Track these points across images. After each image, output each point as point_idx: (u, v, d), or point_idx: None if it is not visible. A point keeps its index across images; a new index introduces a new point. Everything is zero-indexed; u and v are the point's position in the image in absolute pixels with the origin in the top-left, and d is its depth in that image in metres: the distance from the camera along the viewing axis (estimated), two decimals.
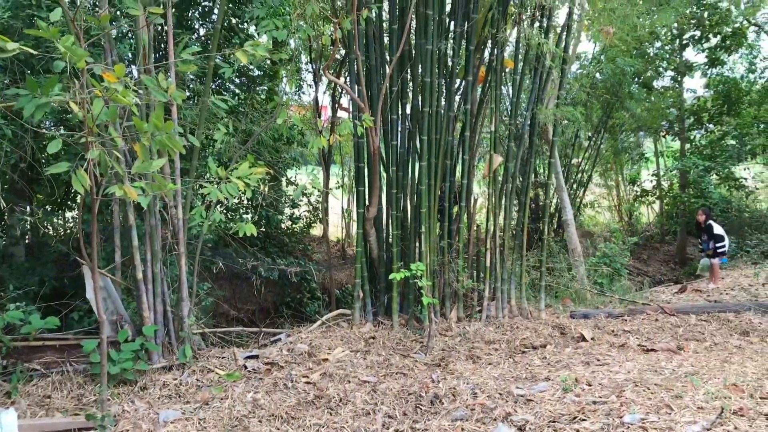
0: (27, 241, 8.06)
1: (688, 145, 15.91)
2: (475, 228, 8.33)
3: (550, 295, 8.90)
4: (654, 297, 9.38)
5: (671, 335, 6.73)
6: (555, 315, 7.87)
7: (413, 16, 7.14)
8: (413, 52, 7.56)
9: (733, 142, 14.68)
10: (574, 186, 16.10)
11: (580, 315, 7.68)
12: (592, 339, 6.58)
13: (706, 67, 15.04)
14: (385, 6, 7.53)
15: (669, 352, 5.96)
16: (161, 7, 5.25)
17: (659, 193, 17.46)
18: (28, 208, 7.34)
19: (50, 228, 8.15)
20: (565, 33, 8.06)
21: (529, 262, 8.66)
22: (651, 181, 18.06)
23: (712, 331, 6.82)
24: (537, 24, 7.98)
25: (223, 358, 5.77)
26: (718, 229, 9.90)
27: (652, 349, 6.09)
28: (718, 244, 9.79)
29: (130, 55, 6.56)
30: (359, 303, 7.35)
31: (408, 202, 7.65)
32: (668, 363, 5.28)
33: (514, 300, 7.89)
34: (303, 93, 12.73)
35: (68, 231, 8.37)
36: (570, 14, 7.94)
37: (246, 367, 5.52)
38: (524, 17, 7.82)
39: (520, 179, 8.25)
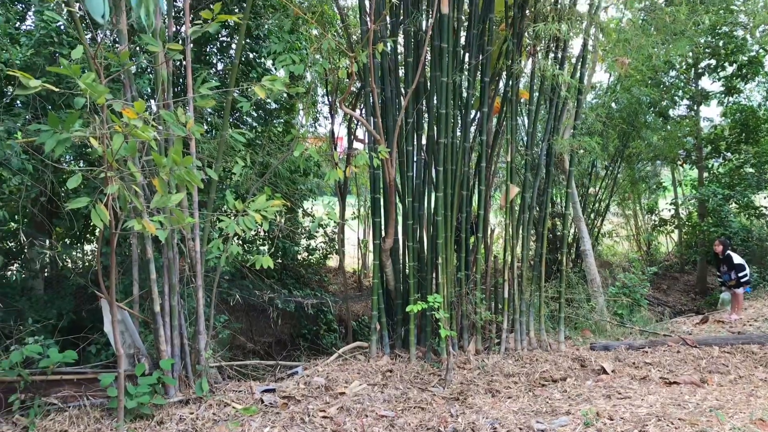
0: (46, 274, 8.13)
1: (706, 174, 15.80)
2: (492, 259, 8.28)
3: (569, 326, 8.80)
4: (675, 328, 9.22)
5: (694, 368, 6.60)
6: (575, 347, 7.76)
7: (428, 49, 7.21)
8: (428, 84, 7.62)
9: (751, 170, 14.54)
10: (592, 216, 16.00)
11: (600, 347, 7.56)
12: (612, 371, 6.47)
13: (723, 95, 14.99)
14: (400, 39, 7.61)
15: (692, 385, 5.84)
16: (180, 43, 5.34)
17: (678, 223, 17.30)
18: (47, 241, 7.41)
19: (69, 261, 8.22)
20: (579, 64, 8.09)
21: (548, 293, 8.58)
22: (669, 210, 17.92)
23: (736, 364, 6.68)
24: (552, 55, 8.02)
25: (239, 391, 5.73)
26: (737, 259, 9.75)
27: (675, 382, 5.97)
28: (740, 274, 9.62)
29: (150, 90, 6.66)
30: (376, 335, 7.30)
31: (424, 233, 7.64)
32: (692, 396, 5.18)
33: (533, 332, 7.80)
34: (319, 125, 12.86)
35: (87, 264, 8.43)
36: (585, 45, 7.97)
37: (263, 401, 5.48)
38: (539, 49, 7.85)
39: (537, 209, 8.21)
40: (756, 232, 14.41)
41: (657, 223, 17.95)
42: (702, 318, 9.97)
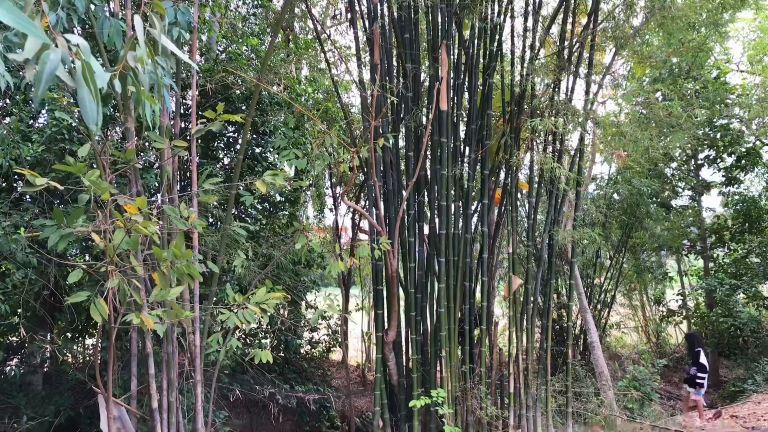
0: (46, 369, 8.01)
1: (711, 264, 15.73)
2: (497, 351, 8.14)
3: (578, 421, 8.54)
4: (688, 423, 8.94)
5: None
6: None
7: (428, 144, 7.38)
8: (429, 176, 7.75)
9: (757, 260, 14.47)
10: (598, 306, 15.82)
11: None
12: None
13: (723, 185, 15.16)
14: (401, 134, 7.81)
15: None
16: (186, 139, 5.50)
17: (686, 313, 17.08)
18: (48, 335, 7.36)
19: (69, 356, 8.13)
20: (578, 156, 8.25)
21: (555, 386, 8.38)
22: (676, 300, 17.73)
23: None
24: (550, 148, 8.19)
25: None
26: (703, 359, 9.56)
27: None
28: (699, 374, 9.42)
29: (156, 184, 6.79)
30: None
31: (428, 325, 7.56)
32: None
33: (540, 428, 7.58)
34: (324, 216, 13.01)
35: (87, 358, 8.33)
36: (582, 139, 8.15)
37: None
38: (537, 142, 8.04)
39: (542, 300, 8.16)
40: (766, 323, 14.16)
41: (665, 313, 17.71)
42: (715, 413, 9.68)
